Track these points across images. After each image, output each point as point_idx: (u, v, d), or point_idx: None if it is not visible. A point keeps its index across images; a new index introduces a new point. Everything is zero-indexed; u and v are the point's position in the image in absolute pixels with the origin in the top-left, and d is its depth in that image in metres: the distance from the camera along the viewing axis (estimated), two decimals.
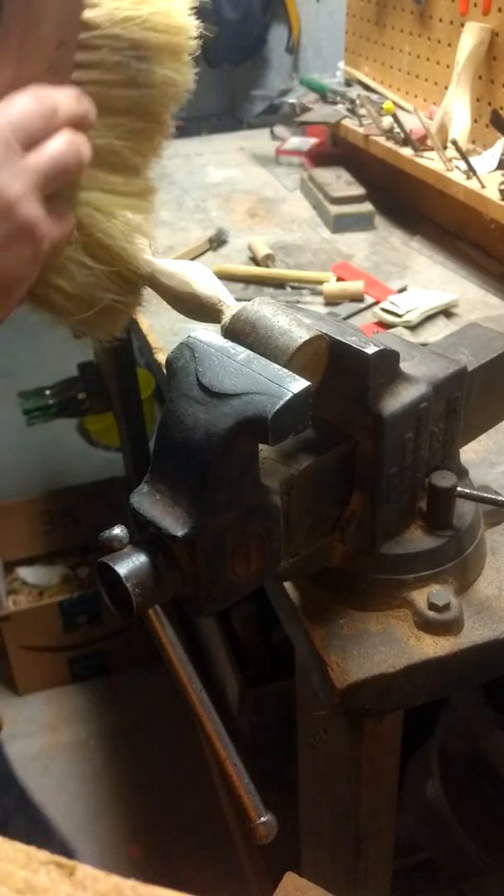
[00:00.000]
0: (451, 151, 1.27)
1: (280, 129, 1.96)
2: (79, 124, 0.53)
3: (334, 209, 1.49)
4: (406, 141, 1.40)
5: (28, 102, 0.50)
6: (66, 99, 0.52)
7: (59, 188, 0.53)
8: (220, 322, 0.62)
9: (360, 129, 1.53)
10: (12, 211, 0.50)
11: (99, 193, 0.59)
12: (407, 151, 1.39)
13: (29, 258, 0.52)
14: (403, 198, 1.54)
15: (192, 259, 1.36)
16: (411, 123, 1.40)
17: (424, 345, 0.74)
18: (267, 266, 1.33)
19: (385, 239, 1.46)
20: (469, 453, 0.87)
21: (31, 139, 0.51)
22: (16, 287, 0.54)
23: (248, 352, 0.56)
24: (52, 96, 0.51)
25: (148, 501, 0.55)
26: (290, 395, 0.52)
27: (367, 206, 1.50)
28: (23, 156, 0.50)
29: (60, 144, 0.52)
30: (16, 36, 0.49)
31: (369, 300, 1.23)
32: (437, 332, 1.14)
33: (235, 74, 3.58)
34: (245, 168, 1.84)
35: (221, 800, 1.74)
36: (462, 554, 0.69)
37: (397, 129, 1.41)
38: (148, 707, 2.07)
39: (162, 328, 1.16)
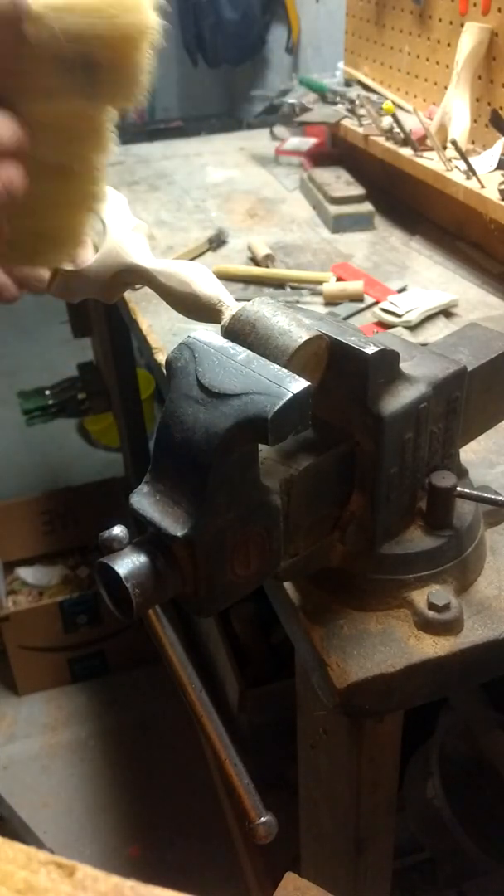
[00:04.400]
0: (450, 151, 1.27)
1: (280, 130, 1.96)
2: (10, 154, 0.49)
3: (334, 209, 1.49)
4: (406, 141, 1.40)
5: None
6: None
7: None
8: (219, 322, 0.62)
9: (360, 130, 1.53)
10: None
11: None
12: (406, 151, 1.39)
13: None
14: (403, 198, 1.54)
15: (192, 259, 1.37)
16: (411, 123, 1.40)
17: (424, 345, 0.74)
18: (266, 266, 1.33)
19: (384, 239, 1.46)
20: (469, 453, 0.87)
21: None
22: None
23: (248, 352, 0.57)
24: None
25: (148, 501, 0.55)
26: (290, 395, 0.52)
27: (367, 207, 1.50)
28: None
29: None
30: None
31: (369, 300, 1.23)
32: (436, 332, 1.14)
33: (235, 75, 3.58)
34: (245, 168, 1.84)
35: (221, 800, 1.74)
36: (462, 554, 0.69)
37: (397, 130, 1.41)
38: (148, 707, 2.07)
39: (162, 328, 1.16)
